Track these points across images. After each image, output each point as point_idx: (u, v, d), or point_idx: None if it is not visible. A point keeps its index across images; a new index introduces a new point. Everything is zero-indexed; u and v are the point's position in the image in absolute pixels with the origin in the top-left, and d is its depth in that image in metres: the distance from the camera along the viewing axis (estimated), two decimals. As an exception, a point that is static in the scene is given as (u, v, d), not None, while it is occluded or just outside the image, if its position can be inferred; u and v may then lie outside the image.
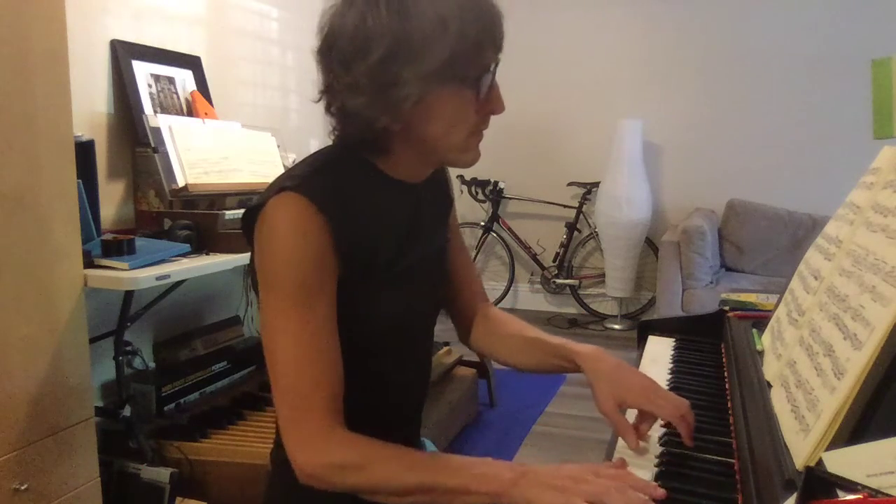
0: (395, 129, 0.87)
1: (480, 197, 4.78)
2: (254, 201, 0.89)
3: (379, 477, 0.80)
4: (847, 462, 0.59)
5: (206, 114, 2.50)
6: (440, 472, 0.79)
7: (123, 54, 2.29)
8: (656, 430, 0.92)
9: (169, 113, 2.40)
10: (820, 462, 0.63)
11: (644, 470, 0.82)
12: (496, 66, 0.88)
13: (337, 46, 0.84)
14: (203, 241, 2.00)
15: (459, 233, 1.16)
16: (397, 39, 0.80)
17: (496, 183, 4.72)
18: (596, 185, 4.49)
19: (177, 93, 2.49)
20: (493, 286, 4.95)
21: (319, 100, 0.90)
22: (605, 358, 0.96)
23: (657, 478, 0.80)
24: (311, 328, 0.82)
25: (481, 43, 0.83)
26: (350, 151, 0.92)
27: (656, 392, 0.90)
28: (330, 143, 0.96)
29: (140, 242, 1.86)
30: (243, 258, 1.91)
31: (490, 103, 0.88)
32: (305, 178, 0.85)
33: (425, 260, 1.00)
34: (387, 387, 0.99)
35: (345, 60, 0.83)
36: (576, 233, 4.73)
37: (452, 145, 0.89)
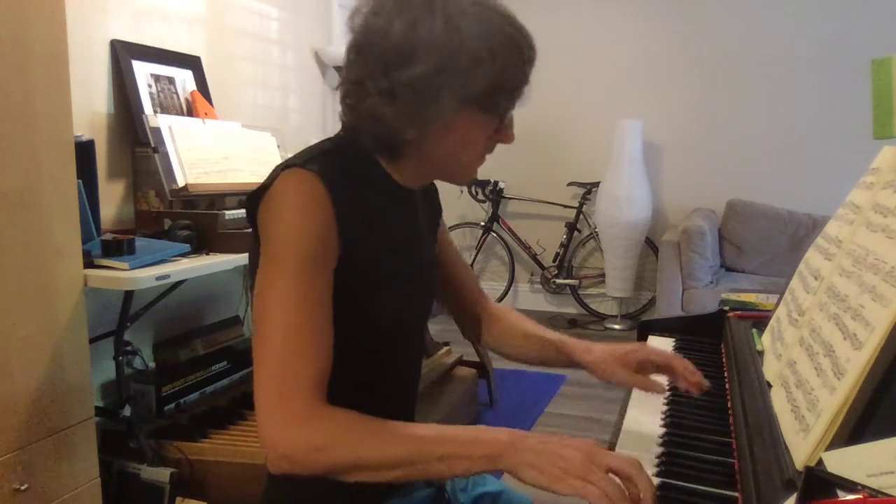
0: (412, 140, 0.87)
1: (480, 197, 4.78)
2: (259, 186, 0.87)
3: (363, 450, 0.75)
4: (847, 462, 0.59)
5: (206, 114, 2.50)
6: (430, 441, 0.75)
7: (123, 54, 2.29)
8: (656, 430, 0.92)
9: (169, 113, 2.40)
10: (820, 462, 0.63)
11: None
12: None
13: (378, 47, 0.81)
14: (203, 241, 2.00)
15: (451, 238, 1.18)
16: (447, 56, 0.79)
17: (496, 183, 4.72)
18: (596, 185, 4.49)
19: (177, 93, 2.49)
20: (493, 286, 4.95)
21: (344, 94, 0.88)
22: (596, 344, 1.04)
23: (657, 477, 0.80)
24: (308, 303, 0.80)
25: (521, 78, 0.85)
26: (355, 143, 0.91)
27: (646, 347, 1.02)
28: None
29: (140, 242, 1.86)
30: (243, 258, 1.90)
31: (502, 134, 0.91)
32: (313, 158, 0.85)
33: (421, 263, 1.01)
34: (381, 387, 0.98)
35: (386, 64, 0.81)
36: (576, 233, 4.73)
37: (461, 165, 0.91)
